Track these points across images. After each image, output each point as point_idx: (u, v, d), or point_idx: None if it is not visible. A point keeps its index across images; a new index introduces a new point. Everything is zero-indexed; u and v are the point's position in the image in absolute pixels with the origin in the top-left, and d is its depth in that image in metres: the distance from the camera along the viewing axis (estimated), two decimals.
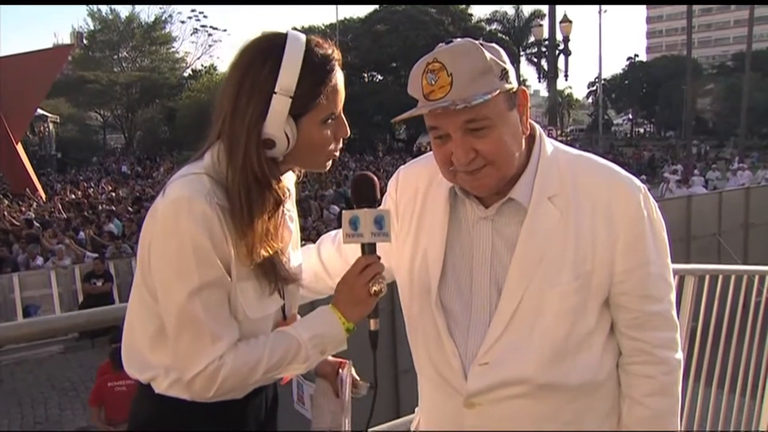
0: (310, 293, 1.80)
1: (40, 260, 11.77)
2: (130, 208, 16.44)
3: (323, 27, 47.78)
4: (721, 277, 3.68)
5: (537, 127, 1.54)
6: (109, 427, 6.21)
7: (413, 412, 1.77)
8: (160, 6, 63.65)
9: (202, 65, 54.95)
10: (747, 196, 11.89)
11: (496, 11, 48.29)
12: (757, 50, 42.62)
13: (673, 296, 1.53)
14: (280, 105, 1.39)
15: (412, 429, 1.76)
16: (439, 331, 1.51)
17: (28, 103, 24.60)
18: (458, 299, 1.51)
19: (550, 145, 1.53)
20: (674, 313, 1.53)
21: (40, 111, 31.57)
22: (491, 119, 1.38)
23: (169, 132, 47.51)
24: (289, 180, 1.60)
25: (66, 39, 61.80)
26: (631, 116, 66.85)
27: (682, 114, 36.22)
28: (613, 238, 1.44)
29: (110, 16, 52.84)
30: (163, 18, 54.13)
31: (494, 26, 48.29)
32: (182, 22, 60.75)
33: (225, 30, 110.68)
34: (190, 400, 1.42)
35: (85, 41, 53.78)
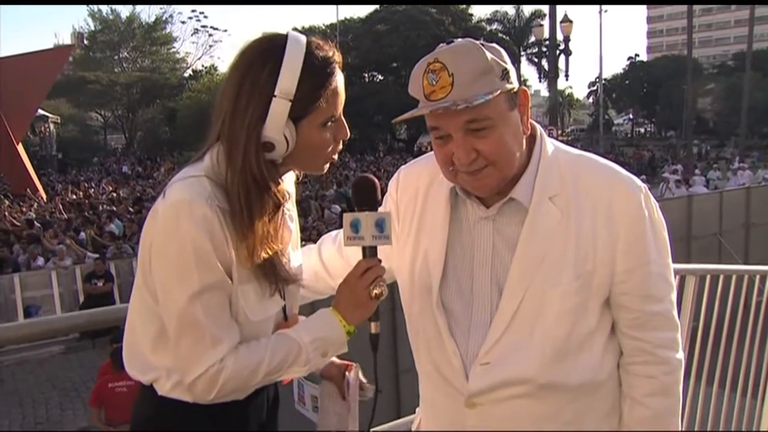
0: (311, 293, 1.80)
1: (40, 261, 11.77)
2: (130, 209, 16.44)
3: (324, 27, 47.78)
4: (722, 277, 3.67)
5: (538, 127, 1.54)
6: (109, 427, 6.21)
7: (414, 412, 1.77)
8: (161, 6, 63.74)
9: (202, 65, 55.04)
10: (748, 196, 11.88)
11: (497, 11, 48.40)
12: (757, 50, 42.62)
13: (674, 296, 1.53)
14: (279, 108, 1.39)
15: (413, 429, 1.76)
16: (440, 331, 1.51)
17: (29, 104, 24.63)
18: (459, 299, 1.51)
19: (550, 145, 1.53)
20: (675, 313, 1.53)
21: (40, 111, 31.59)
22: (492, 119, 1.38)
23: (169, 132, 47.51)
24: (289, 180, 1.60)
25: (67, 39, 61.88)
26: (631, 116, 66.81)
27: (682, 114, 36.21)
28: (614, 237, 1.44)
29: (111, 17, 52.94)
30: (164, 18, 54.28)
31: (495, 26, 48.32)
32: (183, 22, 60.66)
33: (225, 30, 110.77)
34: (192, 401, 1.42)
35: (85, 42, 53.80)
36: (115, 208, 16.73)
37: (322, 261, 1.81)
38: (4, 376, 9.44)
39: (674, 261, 1.57)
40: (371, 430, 1.65)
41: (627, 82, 60.87)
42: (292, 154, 1.45)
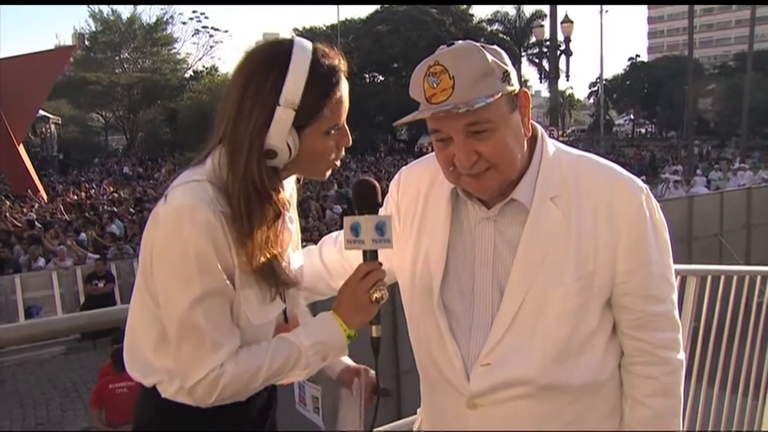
0: (313, 294, 1.80)
1: (41, 261, 11.79)
2: (131, 209, 16.46)
3: (324, 28, 47.84)
4: (723, 277, 3.67)
5: (539, 127, 1.54)
6: (110, 428, 6.21)
7: (415, 413, 1.77)
8: (162, 7, 63.74)
9: (203, 66, 55.03)
10: (749, 197, 11.87)
11: (498, 12, 48.36)
12: (758, 50, 42.63)
13: (675, 297, 1.53)
14: (283, 117, 1.39)
15: (414, 430, 1.76)
16: (441, 331, 1.51)
17: (30, 105, 24.63)
18: (460, 300, 1.51)
19: (551, 145, 1.53)
20: (676, 313, 1.53)
21: (41, 112, 31.60)
22: (493, 122, 1.38)
23: (170, 133, 47.52)
24: (289, 181, 1.60)
25: (68, 40, 62.07)
26: (632, 116, 66.81)
27: (683, 114, 36.17)
28: (615, 238, 1.44)
29: (112, 18, 52.93)
30: (165, 19, 54.24)
31: (495, 27, 48.33)
32: (183, 23, 60.62)
33: (226, 31, 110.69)
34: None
35: (86, 42, 53.81)
36: (116, 209, 16.73)
37: (323, 261, 1.81)
38: (4, 376, 9.44)
39: (675, 262, 1.57)
40: (373, 430, 1.65)
41: (628, 82, 60.90)
42: (295, 161, 1.45)
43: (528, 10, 47.35)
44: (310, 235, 10.64)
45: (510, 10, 48.98)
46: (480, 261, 1.50)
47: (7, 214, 16.34)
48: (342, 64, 1.47)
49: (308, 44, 1.44)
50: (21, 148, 24.42)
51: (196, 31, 56.53)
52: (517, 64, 43.16)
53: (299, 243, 1.69)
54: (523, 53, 47.10)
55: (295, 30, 49.20)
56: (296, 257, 1.63)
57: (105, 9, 52.63)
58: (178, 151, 40.07)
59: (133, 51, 54.05)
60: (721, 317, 3.61)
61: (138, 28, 53.29)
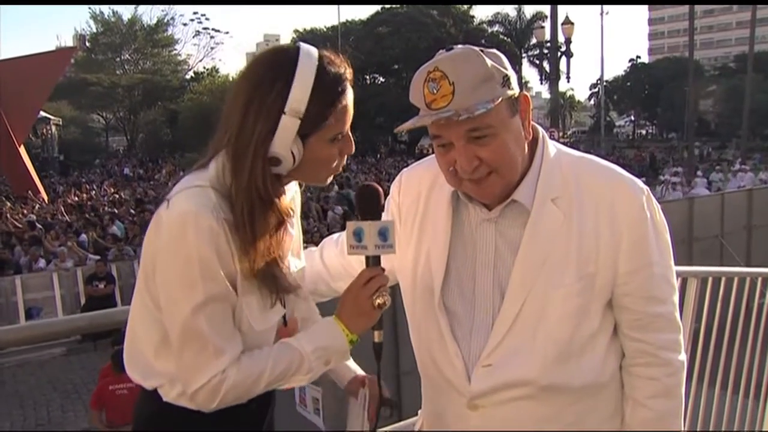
0: (313, 295, 1.80)
1: (42, 262, 11.78)
2: (132, 211, 16.46)
3: (325, 29, 47.89)
4: (723, 279, 3.67)
5: (540, 129, 1.54)
6: (110, 429, 6.21)
7: (416, 414, 1.77)
8: (162, 8, 63.81)
9: (204, 67, 55.08)
10: (749, 198, 11.85)
11: (498, 13, 48.32)
12: (759, 51, 42.64)
13: (676, 298, 1.53)
14: (288, 125, 1.38)
15: (415, 430, 1.76)
16: (442, 332, 1.51)
17: (31, 106, 24.64)
18: (461, 301, 1.51)
19: (552, 147, 1.53)
20: (677, 314, 1.53)
21: (42, 113, 31.59)
22: (494, 127, 1.38)
23: (171, 134, 47.54)
24: (291, 186, 1.59)
25: (68, 41, 62.10)
26: (633, 118, 66.74)
27: (684, 115, 36.14)
28: (617, 239, 1.44)
29: (113, 19, 52.97)
30: (165, 20, 54.30)
31: (496, 28, 48.31)
32: (184, 24, 60.87)
33: (227, 32, 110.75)
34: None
35: (87, 44, 53.86)
36: (116, 210, 16.74)
37: (324, 263, 1.82)
38: (5, 377, 9.44)
39: (676, 263, 1.56)
40: None
41: (628, 83, 60.85)
42: (298, 168, 1.44)
43: (529, 11, 47.33)
44: (311, 237, 10.64)
45: (511, 11, 49.03)
46: (481, 262, 1.50)
47: (8, 215, 16.34)
48: (348, 72, 1.46)
49: (314, 51, 1.43)
50: (22, 149, 24.43)
51: (197, 33, 56.61)
52: (517, 65, 43.17)
53: (301, 247, 1.69)
54: (523, 55, 47.08)
55: (296, 31, 49.28)
56: (297, 262, 1.63)
57: (106, 10, 52.75)
58: (178, 152, 40.09)
59: (134, 52, 54.09)
60: (722, 319, 3.61)
61: (139, 29, 53.33)
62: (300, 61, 1.40)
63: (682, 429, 1.57)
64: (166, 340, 1.43)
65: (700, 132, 43.13)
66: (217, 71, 52.16)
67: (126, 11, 53.95)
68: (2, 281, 10.94)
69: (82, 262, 11.86)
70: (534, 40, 42.24)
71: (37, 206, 19.28)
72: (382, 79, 47.11)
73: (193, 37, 66.70)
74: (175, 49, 56.81)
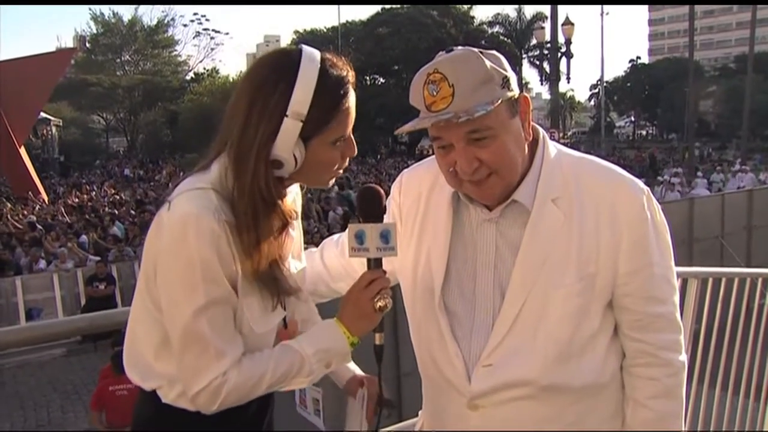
0: (313, 296, 1.80)
1: (42, 263, 11.80)
2: (132, 211, 16.48)
3: (325, 30, 47.90)
4: (724, 280, 3.67)
5: (540, 130, 1.54)
6: (110, 430, 6.20)
7: (416, 415, 1.77)
8: (162, 10, 63.82)
9: (204, 68, 55.22)
10: (750, 199, 11.84)
11: (498, 14, 48.33)
12: (759, 52, 42.59)
13: (676, 298, 1.53)
14: (290, 128, 1.38)
15: (416, 431, 1.76)
16: (443, 333, 1.51)
17: (31, 107, 24.67)
18: (461, 302, 1.51)
19: (553, 148, 1.54)
20: (678, 315, 1.53)
21: (42, 114, 31.62)
22: (494, 128, 1.38)
23: (171, 135, 47.60)
24: (292, 188, 1.59)
25: (69, 42, 62.18)
26: (633, 119, 66.74)
27: (684, 116, 36.16)
28: (617, 239, 1.44)
29: (113, 20, 53.03)
30: (166, 21, 54.39)
31: (496, 29, 48.33)
32: (184, 25, 61.08)
33: (227, 33, 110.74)
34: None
35: (87, 45, 53.97)
36: (116, 211, 16.75)
37: (324, 264, 1.82)
38: (5, 378, 9.45)
39: (676, 264, 1.56)
40: None
41: (628, 84, 60.89)
42: (300, 170, 1.44)
43: (529, 12, 47.35)
44: (312, 238, 10.64)
45: (511, 12, 49.17)
46: (481, 263, 1.50)
47: (8, 216, 16.36)
48: (350, 75, 1.46)
49: (317, 54, 1.43)
50: (22, 150, 24.46)
51: (197, 34, 56.82)
52: (517, 66, 43.19)
53: (302, 249, 1.69)
54: (523, 55, 47.08)
55: (296, 32, 49.32)
56: (297, 263, 1.63)
57: (106, 11, 52.88)
58: (178, 153, 40.16)
59: (134, 53, 54.15)
60: (722, 320, 3.61)
61: (139, 30, 53.38)
62: (302, 64, 1.40)
63: (683, 430, 1.57)
64: (166, 342, 1.43)
65: (700, 133, 43.12)
66: (217, 72, 52.31)
67: (126, 12, 54.10)
68: (2, 282, 10.95)
69: (82, 263, 11.87)
70: (534, 41, 42.14)
71: (38, 207, 19.30)
72: (382, 80, 47.13)
73: (194, 38, 66.94)
74: (176, 50, 56.97)
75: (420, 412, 1.72)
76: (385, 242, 1.45)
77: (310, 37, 45.17)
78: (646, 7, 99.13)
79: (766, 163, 27.97)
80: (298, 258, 1.64)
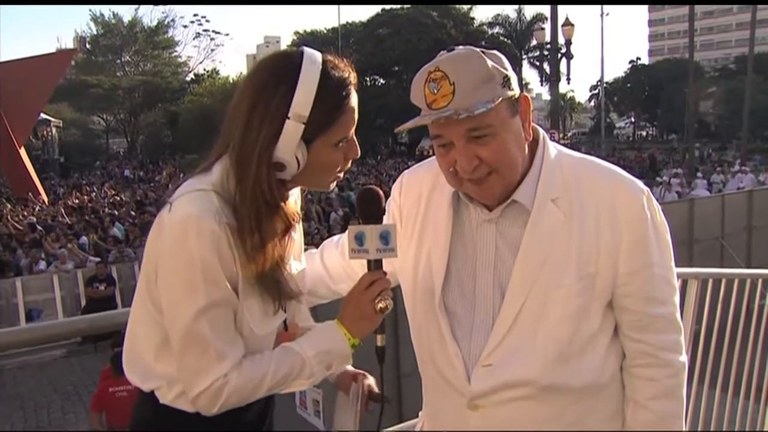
0: (313, 297, 1.80)
1: (42, 264, 11.81)
2: (132, 213, 16.48)
3: (326, 31, 47.93)
4: (724, 280, 3.67)
5: (540, 130, 1.54)
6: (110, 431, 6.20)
7: (416, 416, 1.77)
8: (163, 10, 63.88)
9: (204, 69, 55.33)
10: (750, 199, 11.84)
11: (498, 15, 48.38)
12: (759, 53, 42.60)
13: (677, 299, 1.53)
14: (292, 130, 1.38)
15: (416, 431, 1.76)
16: (443, 333, 1.51)
17: (31, 108, 24.70)
18: (461, 302, 1.51)
19: (553, 148, 1.54)
20: (678, 315, 1.53)
21: (43, 115, 31.64)
22: (494, 127, 1.38)
23: (171, 136, 47.65)
24: (294, 191, 1.59)
25: (69, 43, 62.20)
26: (633, 119, 66.76)
27: (684, 117, 36.19)
28: (617, 239, 1.44)
29: (113, 21, 53.12)
30: (166, 22, 54.50)
31: (496, 30, 48.40)
32: (185, 26, 61.03)
33: (227, 34, 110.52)
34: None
35: (87, 45, 54.07)
36: (117, 212, 16.75)
37: (324, 265, 1.81)
38: (5, 379, 9.45)
39: (676, 265, 1.56)
40: None
41: (629, 85, 60.92)
42: (302, 173, 1.44)
43: (529, 13, 47.41)
44: (312, 239, 10.65)
45: (511, 12, 49.23)
46: (481, 263, 1.50)
47: (8, 217, 16.37)
48: (352, 77, 1.46)
49: (318, 56, 1.43)
50: (22, 151, 24.49)
51: (197, 35, 56.80)
52: (517, 67, 43.16)
53: (302, 251, 1.68)
54: (524, 56, 47.10)
55: (296, 33, 49.37)
56: (298, 265, 1.63)
57: (106, 12, 52.89)
58: (179, 153, 40.19)
59: (134, 54, 54.22)
60: (722, 320, 3.61)
61: (139, 31, 53.47)
62: (304, 66, 1.40)
63: (683, 431, 1.57)
64: (166, 343, 1.42)
65: (700, 133, 43.15)
66: (217, 73, 52.40)
67: (126, 13, 54.25)
68: (3, 283, 10.96)
69: (82, 264, 11.88)
70: (534, 42, 42.14)
71: (38, 208, 19.32)
72: (382, 81, 47.18)
73: (194, 39, 67.06)
74: (176, 51, 57.07)
75: (420, 413, 1.72)
76: (385, 243, 1.45)
77: (311, 38, 45.21)
78: (646, 7, 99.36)
79: (766, 164, 27.99)
80: (298, 259, 1.64)
